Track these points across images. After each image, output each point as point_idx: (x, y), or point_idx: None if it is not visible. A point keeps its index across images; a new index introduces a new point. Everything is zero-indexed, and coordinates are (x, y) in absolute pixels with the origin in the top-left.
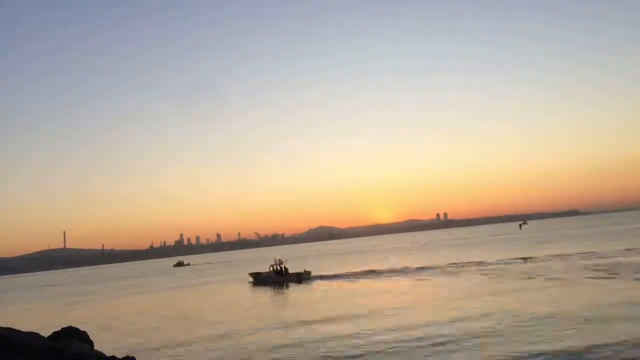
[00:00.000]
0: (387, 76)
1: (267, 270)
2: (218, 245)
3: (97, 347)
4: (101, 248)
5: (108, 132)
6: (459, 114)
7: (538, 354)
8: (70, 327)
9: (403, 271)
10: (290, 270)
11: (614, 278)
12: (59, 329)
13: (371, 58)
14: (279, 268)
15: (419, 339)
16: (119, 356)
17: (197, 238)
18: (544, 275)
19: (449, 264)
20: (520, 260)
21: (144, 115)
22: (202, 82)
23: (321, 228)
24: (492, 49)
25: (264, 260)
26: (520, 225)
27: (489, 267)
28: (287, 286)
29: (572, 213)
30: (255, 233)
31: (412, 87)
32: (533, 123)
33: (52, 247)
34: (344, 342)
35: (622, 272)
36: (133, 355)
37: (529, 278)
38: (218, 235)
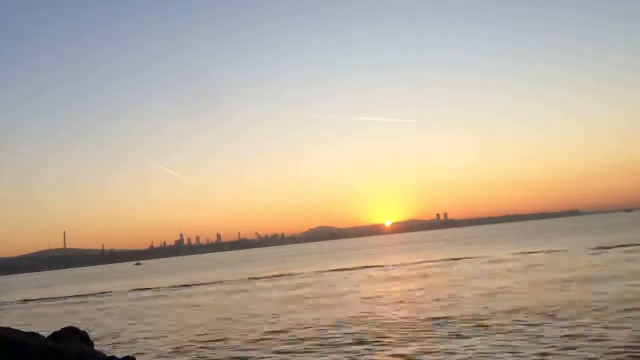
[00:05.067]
0: (387, 75)
1: None
2: (218, 245)
3: (97, 347)
4: (101, 248)
5: (107, 132)
6: (460, 114)
7: None
8: (70, 327)
9: None
10: None
11: None
12: (59, 329)
13: (370, 54)
14: None
15: None
16: (119, 356)
17: (197, 238)
18: None
19: None
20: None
21: (143, 114)
22: (200, 78)
23: (321, 228)
24: (493, 45)
25: None
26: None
27: None
28: None
29: (572, 213)
30: (255, 233)
31: (413, 86)
32: (534, 123)
33: (52, 247)
34: None
35: None
36: (133, 355)
37: None
38: (218, 235)
